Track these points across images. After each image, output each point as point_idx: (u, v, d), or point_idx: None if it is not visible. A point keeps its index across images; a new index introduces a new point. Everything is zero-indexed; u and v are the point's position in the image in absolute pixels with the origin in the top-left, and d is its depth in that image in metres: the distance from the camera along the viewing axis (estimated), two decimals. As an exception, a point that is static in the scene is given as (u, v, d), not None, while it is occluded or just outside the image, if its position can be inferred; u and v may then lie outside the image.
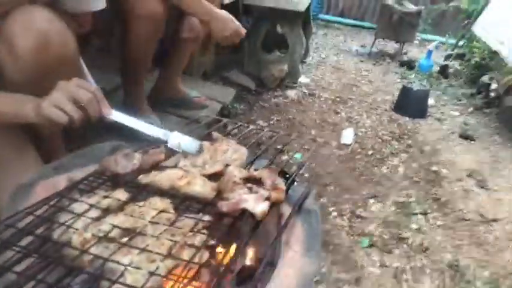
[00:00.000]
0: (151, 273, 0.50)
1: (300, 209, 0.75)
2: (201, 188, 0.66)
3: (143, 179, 0.71)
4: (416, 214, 1.59)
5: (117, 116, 0.77)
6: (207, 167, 0.75)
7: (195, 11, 1.42)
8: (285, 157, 1.75)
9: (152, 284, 0.49)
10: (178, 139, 0.76)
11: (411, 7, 3.52)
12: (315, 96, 2.59)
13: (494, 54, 2.78)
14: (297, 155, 1.84)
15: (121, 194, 0.66)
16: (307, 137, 2.07)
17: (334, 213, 1.52)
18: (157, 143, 0.79)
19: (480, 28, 2.80)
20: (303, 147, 1.92)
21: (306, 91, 2.64)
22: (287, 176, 0.81)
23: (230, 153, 0.79)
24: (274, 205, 0.70)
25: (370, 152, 2.00)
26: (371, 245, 1.38)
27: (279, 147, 1.20)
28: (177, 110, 1.82)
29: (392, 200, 1.65)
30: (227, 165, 0.75)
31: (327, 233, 1.41)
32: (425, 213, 1.60)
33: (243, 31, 1.49)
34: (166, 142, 0.77)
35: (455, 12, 4.04)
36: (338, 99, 2.61)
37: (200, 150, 0.76)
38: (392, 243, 1.41)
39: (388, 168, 1.88)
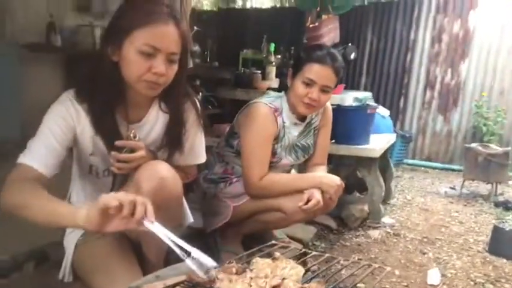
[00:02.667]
0: None
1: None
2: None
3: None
4: None
5: (155, 226, 0.96)
6: (268, 281, 0.92)
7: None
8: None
9: None
10: (195, 258, 0.91)
11: (497, 149, 3.52)
12: (400, 237, 2.59)
13: None
14: (378, 294, 1.83)
15: (199, 295, 0.84)
16: (390, 277, 2.04)
17: None
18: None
19: None
20: (385, 286, 1.91)
21: (390, 231, 2.65)
22: (338, 293, 0.92)
23: (288, 270, 0.95)
24: (321, 313, 0.82)
25: (460, 295, 1.88)
26: None
27: (358, 285, 1.26)
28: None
29: None
30: (284, 279, 0.91)
31: None
32: None
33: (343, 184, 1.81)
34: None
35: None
36: (425, 239, 2.56)
37: (210, 274, 0.89)
38: None
39: (482, 313, 1.74)
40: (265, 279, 0.89)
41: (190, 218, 1.49)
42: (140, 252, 1.35)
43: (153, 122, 1.33)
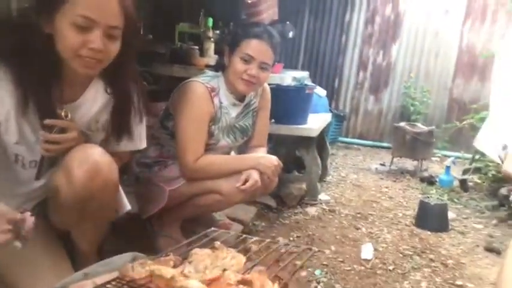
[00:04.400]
0: None
1: (289, 309, 0.82)
2: (194, 285, 0.77)
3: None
4: (440, 331, 1.52)
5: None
6: (207, 272, 0.87)
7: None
8: (304, 273, 1.80)
9: None
10: None
11: (423, 128, 3.77)
12: (335, 213, 2.67)
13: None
14: (317, 271, 1.87)
15: (132, 295, 0.77)
16: (327, 252, 2.10)
17: (353, 331, 1.49)
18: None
19: (480, 142, 2.92)
20: (322, 263, 1.96)
21: (326, 208, 2.74)
22: (280, 280, 0.90)
23: (229, 260, 0.91)
24: (264, 304, 0.79)
25: (391, 267, 1.99)
26: None
27: (297, 262, 1.26)
28: (201, 229, 1.96)
29: (414, 316, 1.60)
30: (225, 270, 0.86)
31: None
32: (450, 331, 1.53)
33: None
34: None
35: (471, 128, 4.25)
36: (358, 215, 2.68)
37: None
38: None
39: (409, 283, 1.85)
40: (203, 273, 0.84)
41: (127, 206, 1.39)
42: (69, 242, 1.24)
43: (90, 103, 1.21)
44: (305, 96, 2.61)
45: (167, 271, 0.81)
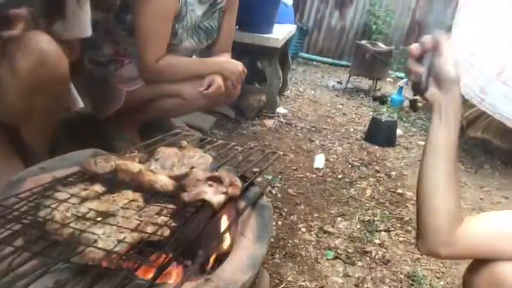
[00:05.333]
0: (120, 241, 0.60)
1: (254, 205, 0.87)
2: (163, 179, 0.77)
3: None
4: (380, 231, 1.70)
5: None
6: (175, 169, 0.87)
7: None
8: (259, 178, 1.88)
9: (120, 248, 0.59)
10: None
11: (383, 47, 3.80)
12: (292, 126, 2.75)
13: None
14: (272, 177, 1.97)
15: (98, 187, 0.77)
16: (282, 162, 2.19)
17: (303, 229, 1.62)
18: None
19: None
20: (277, 170, 2.05)
21: (283, 121, 2.80)
22: (246, 179, 0.93)
23: (196, 158, 0.91)
24: (232, 199, 0.82)
25: (340, 176, 2.13)
26: (335, 257, 1.48)
27: (255, 170, 1.30)
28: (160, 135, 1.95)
29: (358, 218, 1.76)
30: (192, 168, 0.87)
31: (295, 246, 1.51)
32: (388, 230, 1.72)
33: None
34: None
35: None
36: (313, 128, 2.78)
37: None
38: (355, 256, 1.51)
39: (356, 190, 2.01)
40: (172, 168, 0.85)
41: (79, 103, 1.32)
42: (19, 139, 1.18)
43: None
44: (273, 2, 2.48)
45: (134, 165, 0.81)
